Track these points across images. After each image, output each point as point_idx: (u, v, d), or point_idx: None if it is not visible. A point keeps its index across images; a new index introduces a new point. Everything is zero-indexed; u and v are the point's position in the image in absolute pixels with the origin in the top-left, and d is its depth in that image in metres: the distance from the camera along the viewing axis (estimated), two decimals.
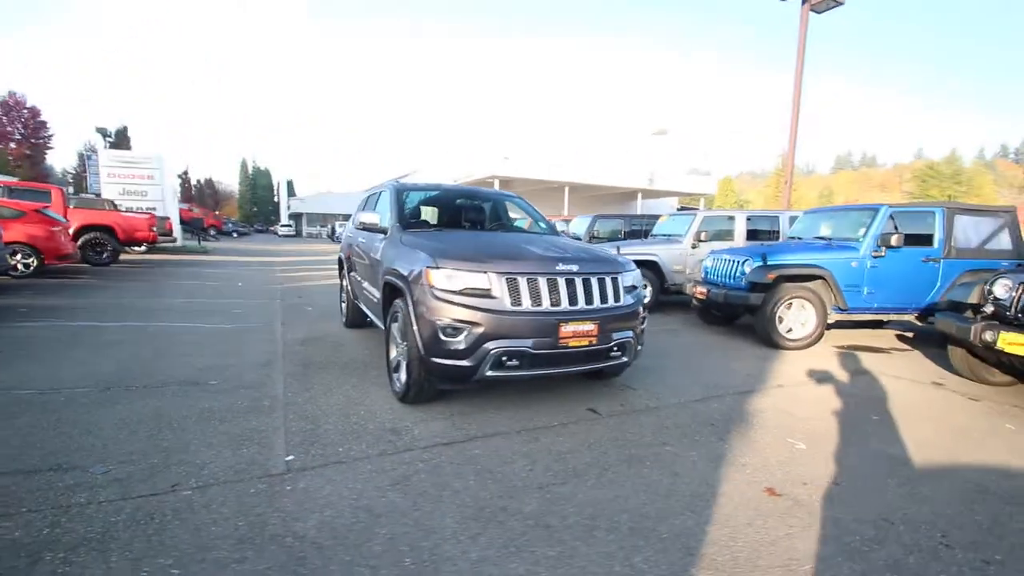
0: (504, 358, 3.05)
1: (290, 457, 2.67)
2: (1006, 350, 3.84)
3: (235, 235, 46.12)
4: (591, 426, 3.27)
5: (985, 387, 4.45)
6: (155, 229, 12.30)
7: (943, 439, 3.29)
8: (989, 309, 4.21)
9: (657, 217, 11.00)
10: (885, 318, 6.20)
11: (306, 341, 5.35)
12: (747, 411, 3.66)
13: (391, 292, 3.81)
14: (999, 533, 2.22)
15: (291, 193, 64.05)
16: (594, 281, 3.31)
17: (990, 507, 2.45)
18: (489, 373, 3.07)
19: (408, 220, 4.35)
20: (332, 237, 40.40)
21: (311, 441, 2.87)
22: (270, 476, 2.47)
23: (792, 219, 8.44)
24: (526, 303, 3.10)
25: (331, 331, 5.91)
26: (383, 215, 4.30)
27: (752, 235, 8.51)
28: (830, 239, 6.39)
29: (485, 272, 3.11)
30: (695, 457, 2.88)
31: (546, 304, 3.13)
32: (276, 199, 72.68)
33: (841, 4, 10.67)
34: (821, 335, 5.83)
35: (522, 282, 3.12)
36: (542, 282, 3.15)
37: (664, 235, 8.91)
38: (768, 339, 5.73)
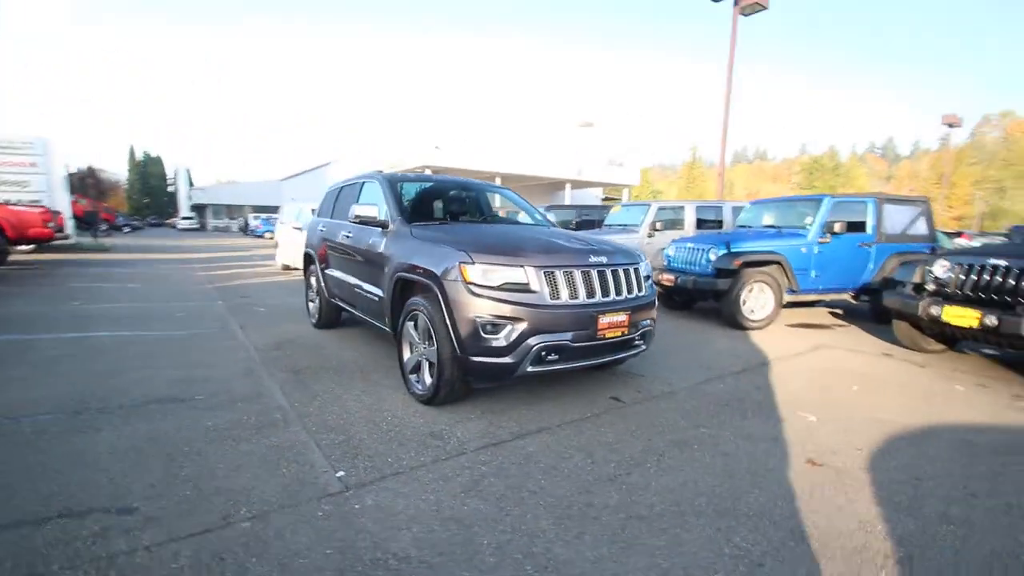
0: (544, 353, 3.01)
1: (340, 473, 2.46)
2: (951, 322, 4.41)
3: (127, 230, 41.07)
4: (623, 414, 3.33)
5: (924, 355, 5.09)
6: (50, 225, 10.67)
7: (915, 403, 3.72)
8: (931, 287, 4.81)
9: (602, 207, 11.34)
10: (827, 298, 6.87)
11: (280, 345, 4.94)
12: (750, 390, 3.91)
13: (403, 290, 3.62)
14: (1004, 480, 2.56)
15: (190, 183, 58.26)
16: (621, 272, 3.36)
17: (985, 460, 2.81)
18: (530, 369, 3.02)
19: (410, 213, 4.12)
20: (245, 231, 37.51)
21: (352, 454, 2.67)
22: (330, 496, 2.26)
23: (735, 209, 9.07)
24: (564, 296, 3.08)
25: (302, 333, 5.49)
26: (379, 208, 4.04)
27: (699, 224, 9.04)
28: (779, 227, 6.95)
29: (522, 266, 3.04)
30: (730, 436, 3.03)
31: (583, 296, 3.13)
32: (172, 189, 65.76)
33: (765, 8, 11.57)
34: (777, 315, 6.35)
35: (559, 275, 3.09)
36: (578, 275, 3.14)
37: (619, 225, 9.21)
38: (733, 321, 6.14)
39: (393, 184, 4.34)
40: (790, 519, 2.17)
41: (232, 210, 53.44)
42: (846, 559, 1.92)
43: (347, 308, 4.91)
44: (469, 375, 3.13)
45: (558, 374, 3.85)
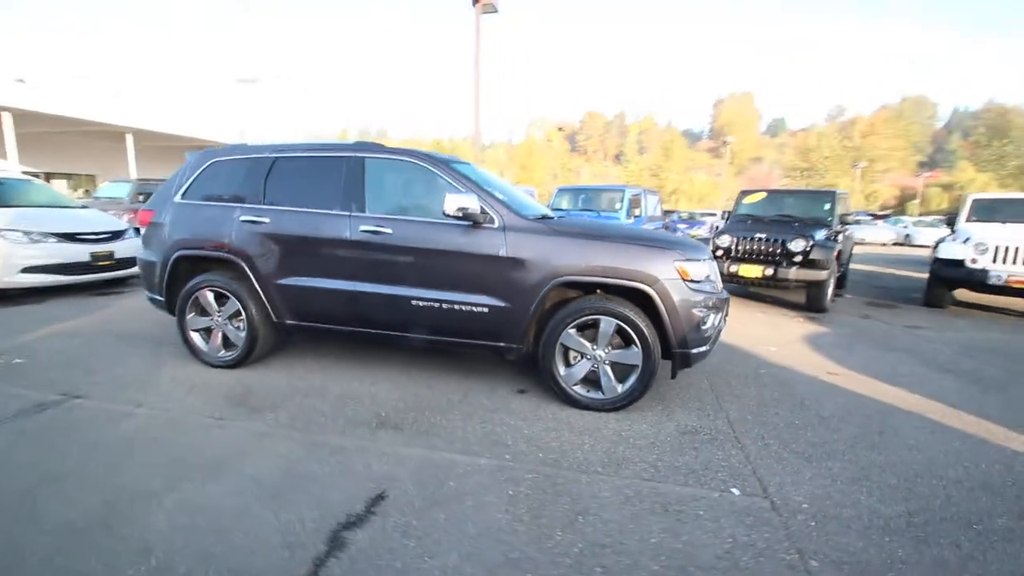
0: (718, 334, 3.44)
1: (735, 490, 2.36)
2: (744, 275, 6.93)
3: None
4: (755, 395, 4.05)
5: None
6: None
7: (780, 330, 5.88)
8: (720, 253, 7.31)
9: None
10: None
11: (245, 403, 3.20)
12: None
13: (543, 295, 3.19)
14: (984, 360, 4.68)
15: None
16: None
17: (940, 351, 4.96)
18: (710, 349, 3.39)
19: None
20: None
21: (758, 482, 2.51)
22: (797, 515, 2.23)
23: (528, 193, 10.40)
24: (719, 284, 3.53)
25: (226, 379, 3.59)
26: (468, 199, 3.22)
27: None
28: (596, 211, 8.65)
29: (704, 260, 3.32)
30: (813, 380, 4.24)
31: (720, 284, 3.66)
32: None
33: (496, 12, 13.01)
34: None
35: (714, 265, 3.52)
36: (713, 264, 3.62)
37: None
38: None
39: (453, 166, 3.48)
40: (912, 407, 3.51)
41: None
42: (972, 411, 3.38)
43: (356, 330, 3.59)
44: (682, 367, 3.23)
45: None
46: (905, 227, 25.38)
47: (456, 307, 3.32)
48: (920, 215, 37.20)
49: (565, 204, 9.30)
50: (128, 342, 4.43)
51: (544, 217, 3.57)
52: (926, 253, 19.67)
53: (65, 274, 5.99)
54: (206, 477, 2.32)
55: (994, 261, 6.53)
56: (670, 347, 3.13)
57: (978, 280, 6.61)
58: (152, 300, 4.07)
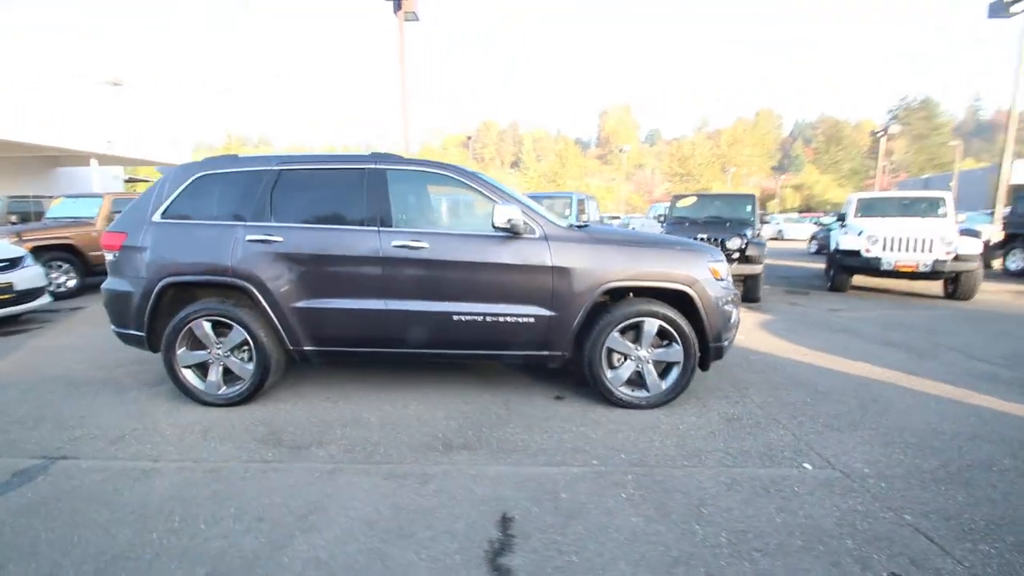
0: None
1: (807, 464, 2.62)
2: None
3: None
4: (757, 378, 4.40)
5: None
6: None
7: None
8: None
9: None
10: None
11: (275, 443, 2.90)
12: None
13: (596, 301, 3.30)
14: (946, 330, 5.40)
15: None
16: None
17: (868, 329, 5.66)
18: None
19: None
20: None
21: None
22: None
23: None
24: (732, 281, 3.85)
25: (241, 417, 3.21)
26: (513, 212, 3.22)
27: None
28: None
29: (724, 260, 3.62)
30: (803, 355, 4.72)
31: None
32: None
33: (417, 20, 12.81)
34: None
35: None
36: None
37: None
38: None
39: (482, 177, 3.45)
40: (882, 377, 4.09)
41: None
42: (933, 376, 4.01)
43: (386, 351, 3.39)
44: (715, 359, 3.47)
45: None
46: (778, 224, 29.05)
47: (501, 319, 3.29)
48: (780, 212, 42.86)
49: None
50: (82, 388, 3.76)
51: (571, 227, 3.67)
52: (800, 246, 22.95)
53: None
54: (308, 526, 2.08)
55: (884, 250, 7.79)
56: (705, 341, 3.37)
57: (873, 267, 7.83)
58: (123, 336, 3.50)
